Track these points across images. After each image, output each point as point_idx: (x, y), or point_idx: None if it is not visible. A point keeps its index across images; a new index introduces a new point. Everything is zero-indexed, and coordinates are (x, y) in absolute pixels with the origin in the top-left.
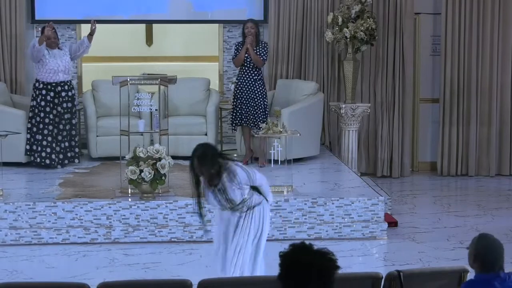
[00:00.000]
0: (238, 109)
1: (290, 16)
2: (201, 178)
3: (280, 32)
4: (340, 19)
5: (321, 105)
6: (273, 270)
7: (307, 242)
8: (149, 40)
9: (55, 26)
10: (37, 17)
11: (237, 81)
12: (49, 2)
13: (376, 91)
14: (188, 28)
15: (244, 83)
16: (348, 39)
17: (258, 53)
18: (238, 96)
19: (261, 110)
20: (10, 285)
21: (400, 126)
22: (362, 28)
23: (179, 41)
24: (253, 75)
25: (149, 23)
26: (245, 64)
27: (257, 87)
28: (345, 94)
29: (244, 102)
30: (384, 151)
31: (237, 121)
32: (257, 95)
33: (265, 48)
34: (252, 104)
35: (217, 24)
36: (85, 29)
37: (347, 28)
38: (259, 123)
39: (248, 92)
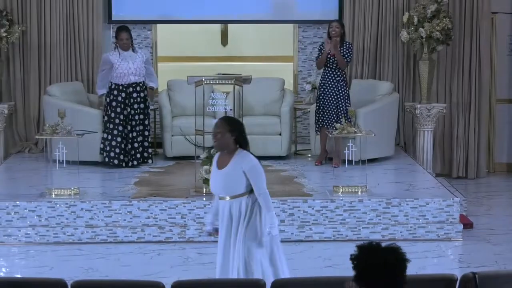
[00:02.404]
0: (321, 110)
1: (365, 16)
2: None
3: (355, 32)
4: (415, 19)
5: (396, 105)
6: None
7: (373, 242)
8: (224, 40)
9: (130, 27)
10: (114, 18)
11: (320, 82)
12: (126, 2)
13: (452, 91)
14: (263, 28)
15: (327, 84)
16: (424, 39)
17: (342, 54)
18: (321, 97)
19: (343, 112)
20: (86, 282)
21: (476, 127)
22: (438, 28)
23: (254, 41)
24: (335, 76)
25: (224, 23)
26: (328, 65)
27: (340, 88)
28: (421, 94)
29: (327, 103)
30: (460, 151)
31: (319, 123)
32: (340, 96)
33: (350, 49)
34: (335, 105)
35: (292, 24)
36: (161, 28)
37: (423, 28)
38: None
39: (331, 93)
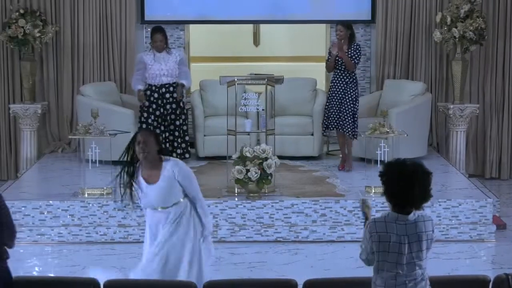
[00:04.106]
0: (327, 112)
1: (398, 16)
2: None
3: (387, 32)
4: (448, 19)
5: (429, 105)
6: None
7: (399, 158)
8: (256, 40)
9: (164, 26)
10: (146, 18)
11: (330, 84)
12: (159, 3)
13: (485, 92)
14: (295, 29)
15: (336, 86)
16: (457, 39)
17: (349, 55)
18: (329, 99)
19: (348, 115)
20: (119, 282)
21: (509, 127)
22: (471, 27)
23: (286, 41)
24: (345, 77)
25: (255, 23)
26: (337, 66)
27: (348, 90)
28: (453, 95)
29: (334, 105)
30: (493, 152)
31: (326, 125)
32: (347, 99)
33: (357, 51)
34: (341, 108)
35: (324, 24)
36: (194, 29)
37: (456, 27)
38: (345, 128)
39: (339, 95)
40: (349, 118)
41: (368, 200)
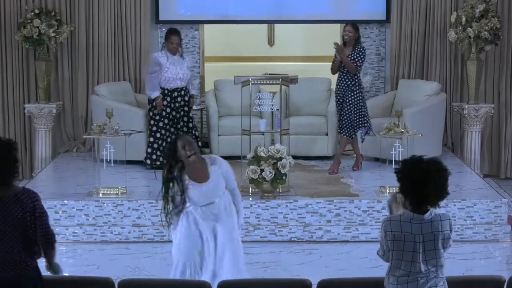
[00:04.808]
0: (337, 115)
1: (413, 16)
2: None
3: (402, 32)
4: (463, 19)
5: (444, 105)
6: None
7: (415, 155)
8: (270, 40)
9: (177, 27)
10: (161, 18)
11: (335, 86)
12: (174, 3)
13: (500, 92)
14: (309, 28)
15: (339, 89)
16: (472, 39)
17: (352, 58)
18: (336, 102)
19: (346, 117)
20: (133, 281)
21: None
22: (486, 27)
23: (300, 41)
24: (347, 80)
25: (270, 23)
26: (341, 69)
27: (349, 92)
28: (468, 95)
29: (338, 108)
30: (508, 152)
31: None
32: (347, 101)
33: (360, 53)
34: (342, 110)
35: (339, 24)
36: (208, 29)
37: (471, 27)
38: (341, 130)
39: (341, 98)
40: (347, 120)
41: (399, 195)
